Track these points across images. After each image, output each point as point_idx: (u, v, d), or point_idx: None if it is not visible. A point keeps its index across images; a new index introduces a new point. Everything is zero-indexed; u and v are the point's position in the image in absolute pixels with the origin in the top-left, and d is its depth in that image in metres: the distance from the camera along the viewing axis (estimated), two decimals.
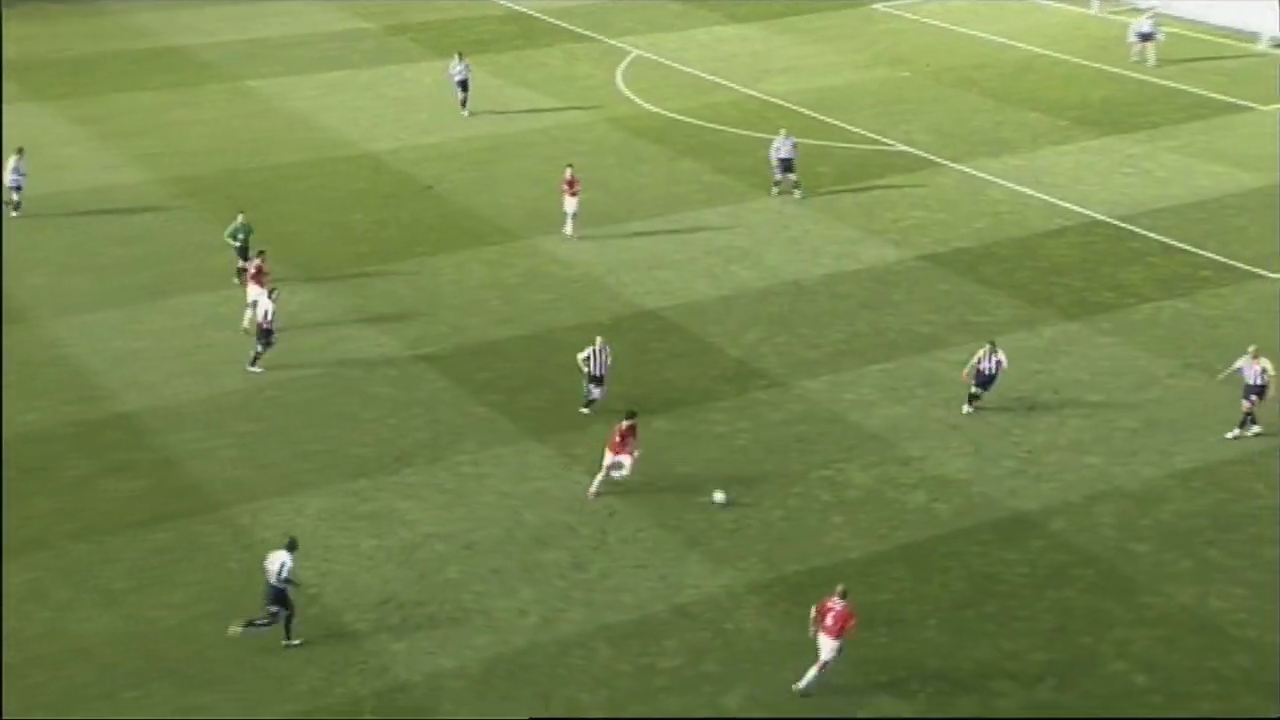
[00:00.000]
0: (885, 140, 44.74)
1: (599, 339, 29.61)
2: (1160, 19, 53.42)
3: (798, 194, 40.01)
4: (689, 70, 51.54)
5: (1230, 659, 22.42)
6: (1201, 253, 36.35)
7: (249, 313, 32.42)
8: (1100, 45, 53.89)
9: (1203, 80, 49.31)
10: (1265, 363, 28.34)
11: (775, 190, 40.26)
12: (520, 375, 31.51)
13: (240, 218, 35.37)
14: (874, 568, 24.88)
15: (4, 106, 46.57)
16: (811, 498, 26.84)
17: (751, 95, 49.18)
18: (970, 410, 29.32)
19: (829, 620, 21.88)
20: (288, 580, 22.94)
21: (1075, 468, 27.62)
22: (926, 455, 28.05)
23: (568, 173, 37.77)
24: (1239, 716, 21.37)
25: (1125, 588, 24.11)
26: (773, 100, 48.66)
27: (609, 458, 26.76)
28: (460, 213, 39.80)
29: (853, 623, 21.88)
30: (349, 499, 27.03)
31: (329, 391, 30.76)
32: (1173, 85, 49.24)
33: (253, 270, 32.59)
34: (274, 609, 22.95)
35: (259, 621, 23.04)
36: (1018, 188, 40.99)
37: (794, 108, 47.98)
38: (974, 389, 29.37)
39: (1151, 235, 37.49)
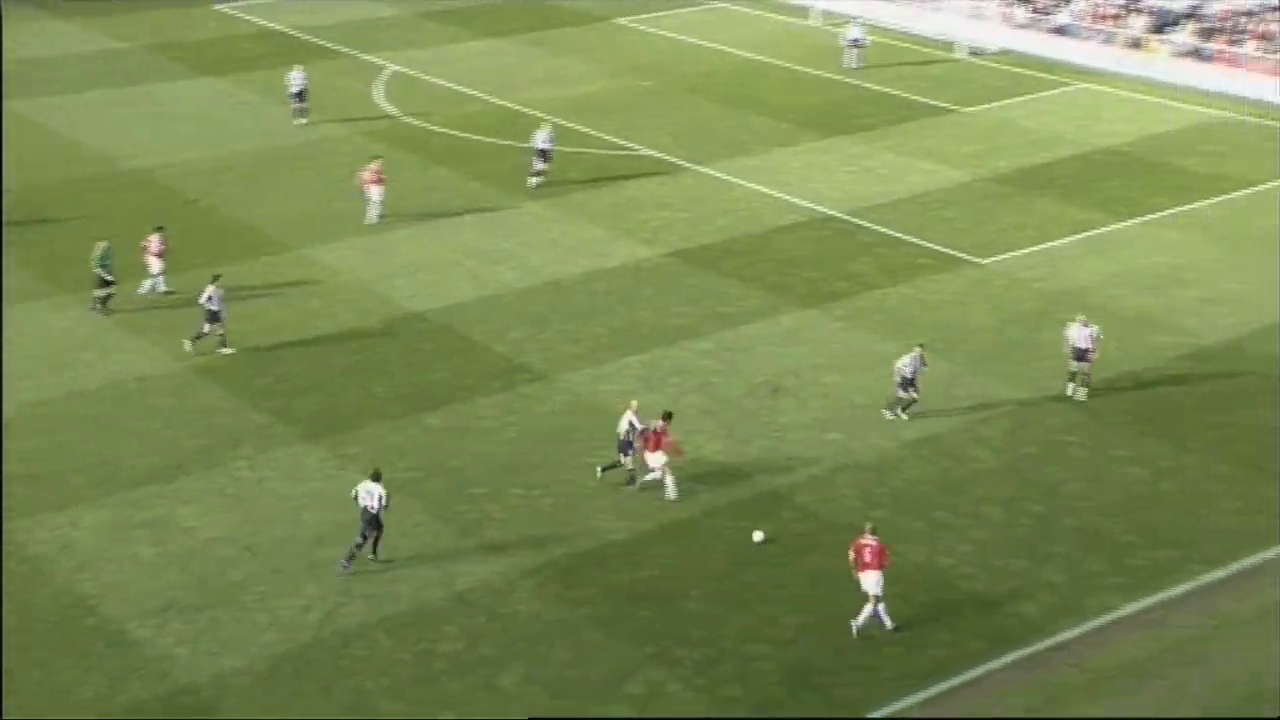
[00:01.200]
0: (631, 145, 44.93)
1: (634, 403, 26.71)
2: (868, 27, 54.93)
3: (533, 181, 40.22)
4: (444, 83, 50.89)
5: (959, 610, 23.10)
6: (921, 243, 37.45)
7: (148, 283, 33.76)
8: (819, 53, 55.18)
9: (911, 85, 50.87)
10: (1095, 328, 29.31)
11: (533, 181, 40.41)
12: (295, 380, 30.60)
13: (102, 245, 33.35)
14: (638, 547, 24.90)
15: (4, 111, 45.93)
16: (578, 484, 26.72)
17: (505, 105, 48.83)
18: (901, 417, 28.38)
19: (867, 556, 22.39)
20: (386, 506, 23.83)
21: (818, 444, 28.13)
22: (684, 439, 28.20)
23: (375, 164, 38.27)
24: (1237, 717, 20.72)
25: None
26: (525, 110, 48.40)
27: (647, 458, 25.38)
28: (231, 225, 38.49)
29: (889, 554, 22.51)
30: (128, 509, 25.84)
31: (106, 406, 29.39)
32: (885, 90, 50.67)
33: (155, 248, 33.55)
34: (368, 533, 23.87)
35: (356, 546, 23.95)
36: (754, 186, 41.62)
37: (546, 116, 47.72)
38: (901, 394, 28.52)
39: (876, 228, 38.48)
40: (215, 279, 31.74)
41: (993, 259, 36.28)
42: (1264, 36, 50.72)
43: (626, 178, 42.32)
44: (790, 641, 22.50)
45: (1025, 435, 28.21)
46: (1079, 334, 29.35)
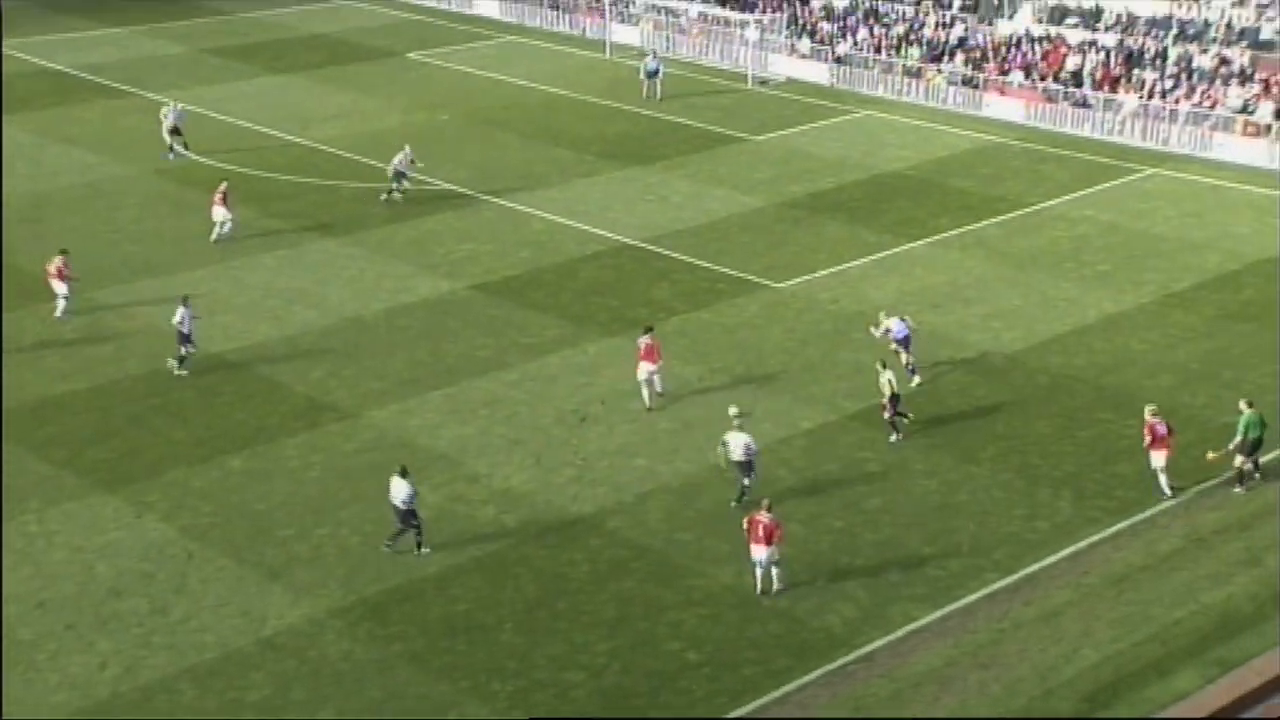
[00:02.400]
0: (430, 180, 44.58)
1: (735, 417, 26.61)
2: (663, 59, 55.69)
3: (385, 198, 40.54)
4: (233, 121, 49.77)
5: (766, 627, 23.32)
6: (717, 268, 37.93)
7: (61, 304, 33.88)
8: (614, 86, 55.63)
9: (703, 115, 51.63)
10: (909, 319, 31.51)
11: (384, 198, 41.33)
12: (85, 429, 29.42)
13: None
14: (450, 580, 24.56)
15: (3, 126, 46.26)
16: (386, 521, 26.25)
17: (298, 142, 47.97)
18: (899, 438, 28.65)
19: (760, 532, 23.51)
20: (414, 496, 24.83)
21: (625, 470, 28.19)
22: (492, 471, 27.98)
23: (222, 186, 38.86)
24: (1029, 716, 20.87)
25: (675, 574, 24.75)
26: (320, 146, 47.64)
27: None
28: (10, 270, 36.89)
29: (781, 531, 23.63)
30: None
31: None
32: (678, 120, 51.33)
33: (54, 270, 33.70)
34: (414, 523, 24.96)
35: (415, 536, 24.96)
36: (554, 217, 41.67)
37: (340, 153, 47.14)
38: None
39: (674, 255, 38.86)
40: (185, 300, 31.61)
41: (788, 282, 36.95)
42: (1028, 66, 52.96)
43: (426, 212, 41.94)
44: (604, 668, 22.42)
45: (824, 453, 28.72)
46: (898, 325, 31.04)
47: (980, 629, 23.16)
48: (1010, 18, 56.18)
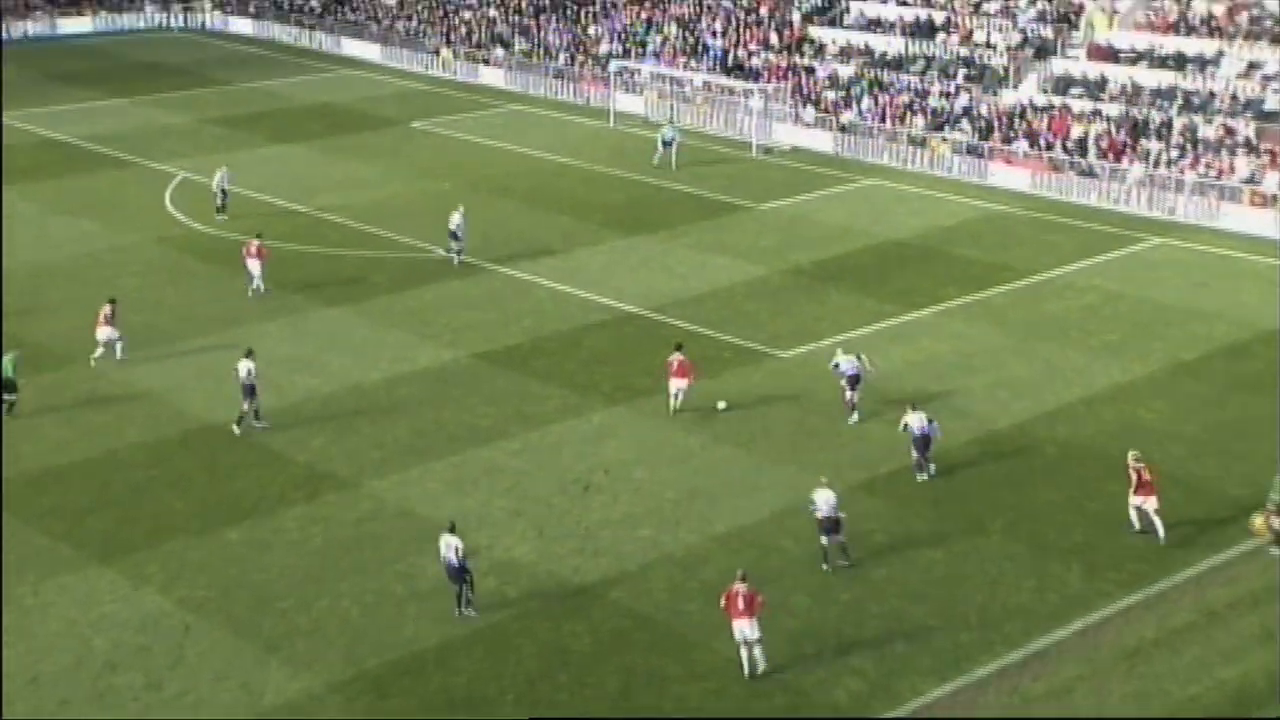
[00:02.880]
0: (432, 248, 44.78)
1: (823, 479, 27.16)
2: (678, 129, 56.17)
3: (456, 260, 41.33)
4: (237, 190, 50.15)
5: (772, 701, 23.11)
6: (722, 337, 37.99)
7: (118, 346, 35.83)
8: (618, 154, 56.01)
9: (707, 183, 51.93)
10: (864, 359, 33.27)
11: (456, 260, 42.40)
12: (83, 499, 29.38)
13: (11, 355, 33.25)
14: (451, 653, 24.40)
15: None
16: (386, 592, 26.13)
17: (301, 211, 48.30)
18: (925, 477, 29.98)
19: (741, 605, 23.33)
20: (466, 556, 24.98)
21: (629, 540, 28.09)
22: (494, 542, 27.88)
23: (256, 241, 40.29)
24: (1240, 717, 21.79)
25: (679, 646, 24.58)
26: (324, 215, 47.94)
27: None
28: (10, 341, 37.00)
29: (760, 600, 23.55)
30: None
31: None
32: (682, 189, 51.61)
33: (105, 315, 35.67)
34: (467, 578, 25.03)
35: (466, 596, 25.00)
36: (558, 286, 41.81)
37: (344, 221, 47.42)
38: (915, 455, 30.05)
39: (679, 324, 38.94)
40: (250, 353, 32.31)
41: (793, 351, 37.01)
42: (1033, 135, 53.35)
43: (428, 281, 42.11)
44: None
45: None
46: (848, 364, 31.97)
47: (990, 704, 22.95)
48: (1015, 88, 56.68)
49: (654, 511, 29.11)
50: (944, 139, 54.44)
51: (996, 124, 54.19)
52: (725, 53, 63.84)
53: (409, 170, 53.93)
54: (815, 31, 63.94)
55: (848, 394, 32.75)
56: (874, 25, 62.77)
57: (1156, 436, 32.14)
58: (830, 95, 58.74)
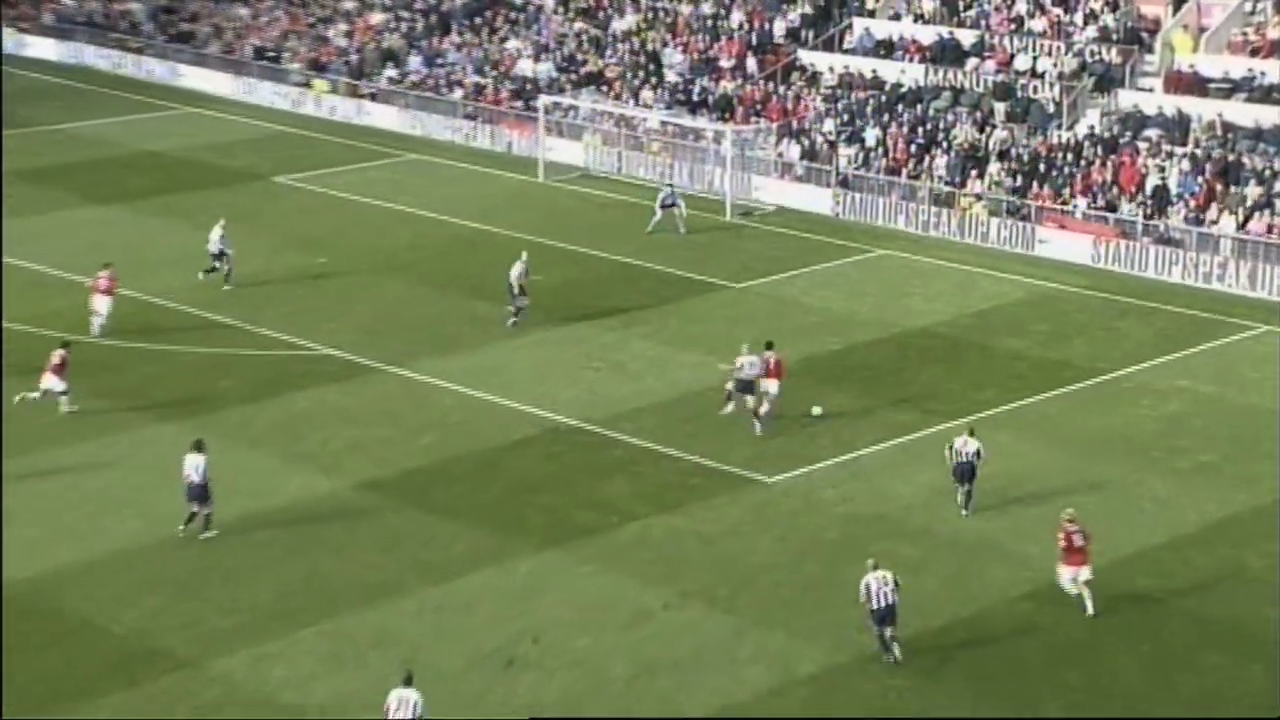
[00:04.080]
0: (305, 344, 44.67)
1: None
2: (611, 180, 56.64)
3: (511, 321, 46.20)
4: (40, 268, 50.01)
5: None
6: (689, 457, 37.95)
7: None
8: (551, 216, 56.35)
9: (668, 256, 52.24)
10: (770, 354, 39.15)
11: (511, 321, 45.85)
12: None
13: None
14: None
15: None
16: None
17: (127, 295, 48.12)
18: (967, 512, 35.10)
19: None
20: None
21: None
22: None
23: (107, 272, 44.90)
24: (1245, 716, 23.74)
25: None
26: (155, 300, 47.82)
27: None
28: None
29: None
30: None
31: None
32: (636, 263, 51.89)
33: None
34: None
35: None
36: (471, 392, 41.77)
37: (183, 308, 47.35)
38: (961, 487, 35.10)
39: (632, 440, 38.91)
40: (199, 445, 34.31)
41: (781, 475, 37.03)
42: (1094, 189, 53.96)
43: (299, 386, 41.97)
44: None
45: (835, 705, 28.47)
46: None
47: None
48: (1070, 128, 57.61)
49: (597, 690, 28.90)
50: (977, 197, 55.19)
51: (1045, 176, 55.02)
52: (688, 82, 64.72)
53: (272, 240, 53.98)
54: (807, 56, 64.94)
55: (748, 401, 39.06)
56: (883, 48, 63.85)
57: (1269, 590, 32.27)
58: (826, 128, 59.39)
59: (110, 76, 77.45)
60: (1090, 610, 31.05)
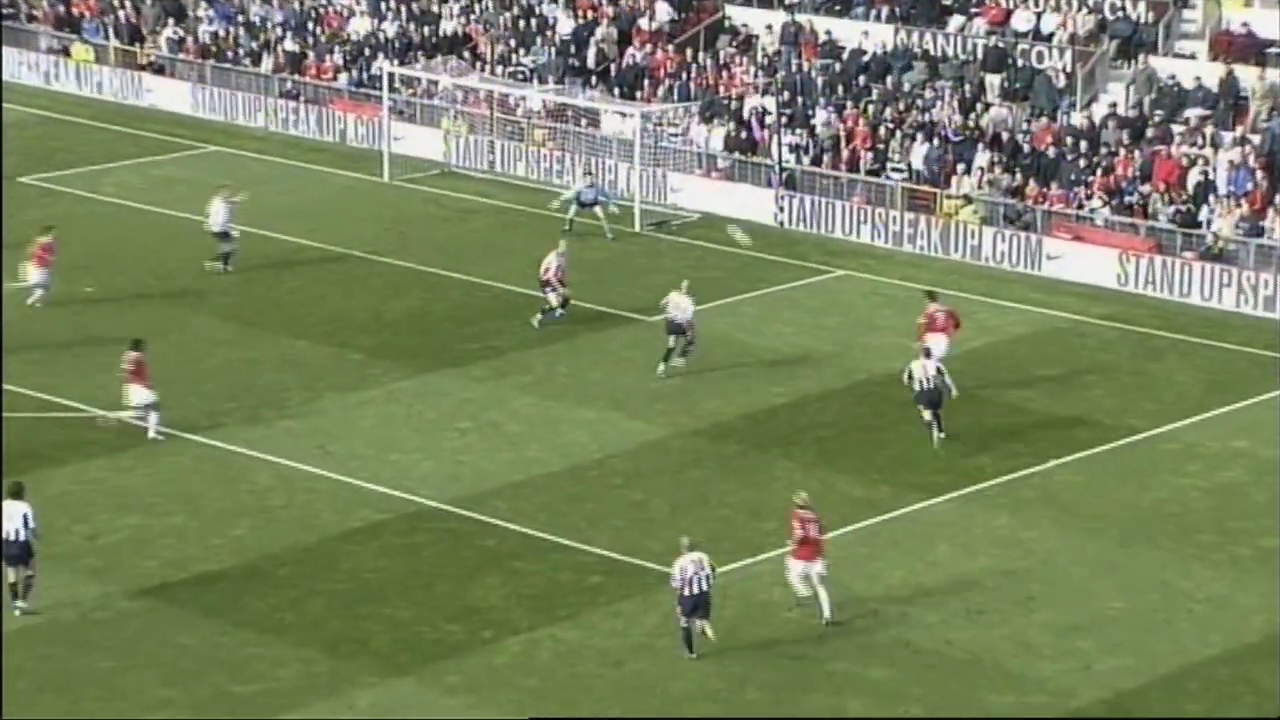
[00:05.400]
0: (65, 402, 44.38)
1: None
2: (497, 182, 56.87)
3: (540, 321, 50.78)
4: None
5: None
6: (586, 548, 37.85)
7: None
8: (399, 227, 56.15)
9: (578, 280, 51.95)
10: (937, 307, 45.28)
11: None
12: None
13: None
14: None
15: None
16: None
17: None
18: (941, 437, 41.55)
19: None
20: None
21: None
22: None
23: (47, 237, 50.31)
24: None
25: None
26: None
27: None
28: None
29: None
30: None
31: None
32: (512, 289, 51.94)
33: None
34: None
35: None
36: (296, 465, 41.54)
37: None
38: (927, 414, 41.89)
39: (510, 526, 38.75)
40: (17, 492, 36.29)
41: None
42: (1117, 187, 54.37)
43: (57, 460, 41.61)
44: None
45: None
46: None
47: None
48: (1086, 107, 58.10)
49: None
50: (965, 198, 55.54)
51: (1055, 171, 55.46)
52: (576, 44, 64.80)
53: (17, 260, 53.53)
54: (738, 13, 65.22)
55: (672, 341, 45.60)
56: (839, 3, 64.23)
57: None
58: (760, 107, 59.62)
59: None
60: (827, 615, 34.33)
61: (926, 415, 42.13)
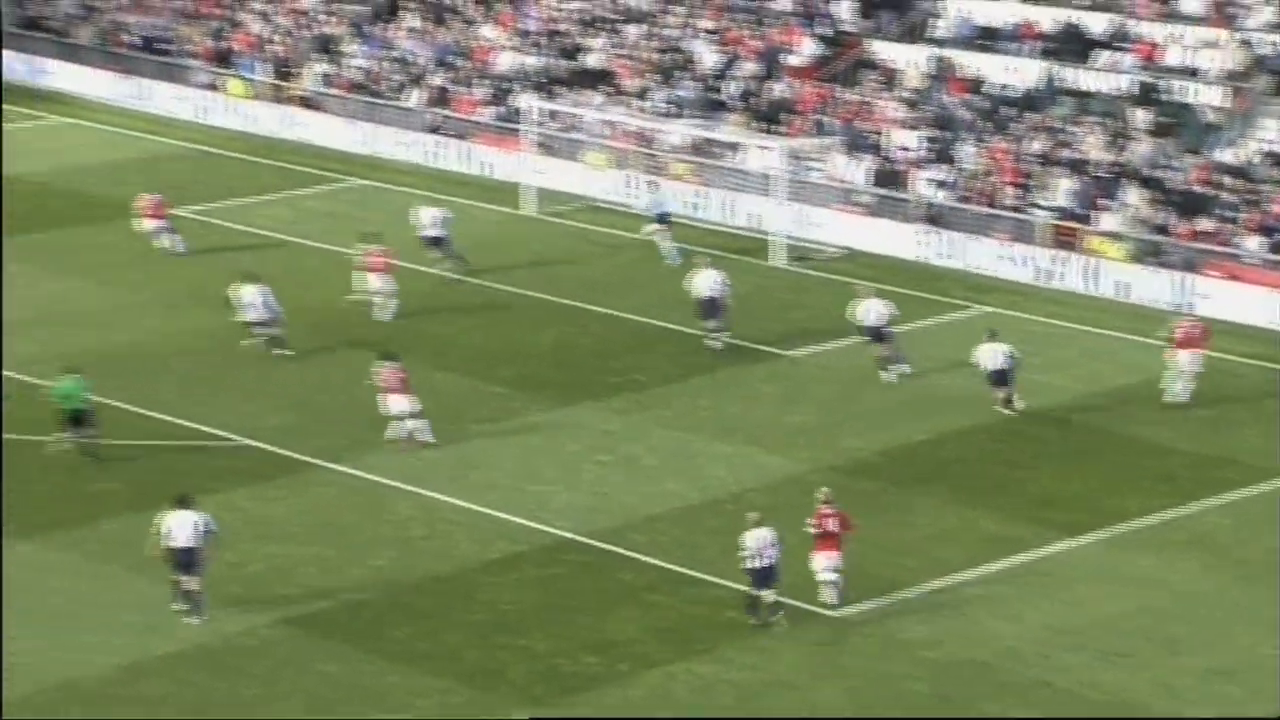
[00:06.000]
0: (212, 431, 44.78)
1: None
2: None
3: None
4: None
5: None
6: (721, 582, 37.50)
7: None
8: (543, 261, 56.39)
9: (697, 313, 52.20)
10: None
11: None
12: None
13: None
14: None
15: None
16: None
17: None
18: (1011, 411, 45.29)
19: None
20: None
21: None
22: None
23: (378, 248, 52.76)
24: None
25: None
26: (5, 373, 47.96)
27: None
28: None
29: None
30: None
31: None
32: (655, 323, 52.09)
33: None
34: None
35: None
36: (437, 495, 41.74)
37: (45, 383, 47.42)
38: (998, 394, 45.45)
39: (648, 559, 38.77)
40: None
41: (851, 607, 36.87)
42: (1268, 226, 53.87)
43: (203, 490, 41.63)
44: None
45: None
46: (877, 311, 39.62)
47: None
48: (1236, 143, 57.56)
49: None
50: (1112, 235, 55.21)
51: (1206, 208, 54.99)
52: (718, 77, 64.95)
53: (168, 293, 54.14)
54: (883, 47, 65.17)
55: (881, 350, 48.35)
56: (986, 37, 64.06)
57: None
58: (902, 142, 59.60)
59: None
60: (834, 600, 36.44)
61: (1000, 392, 46.20)
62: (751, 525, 35.98)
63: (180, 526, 36.19)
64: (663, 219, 56.88)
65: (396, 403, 44.20)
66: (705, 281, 49.75)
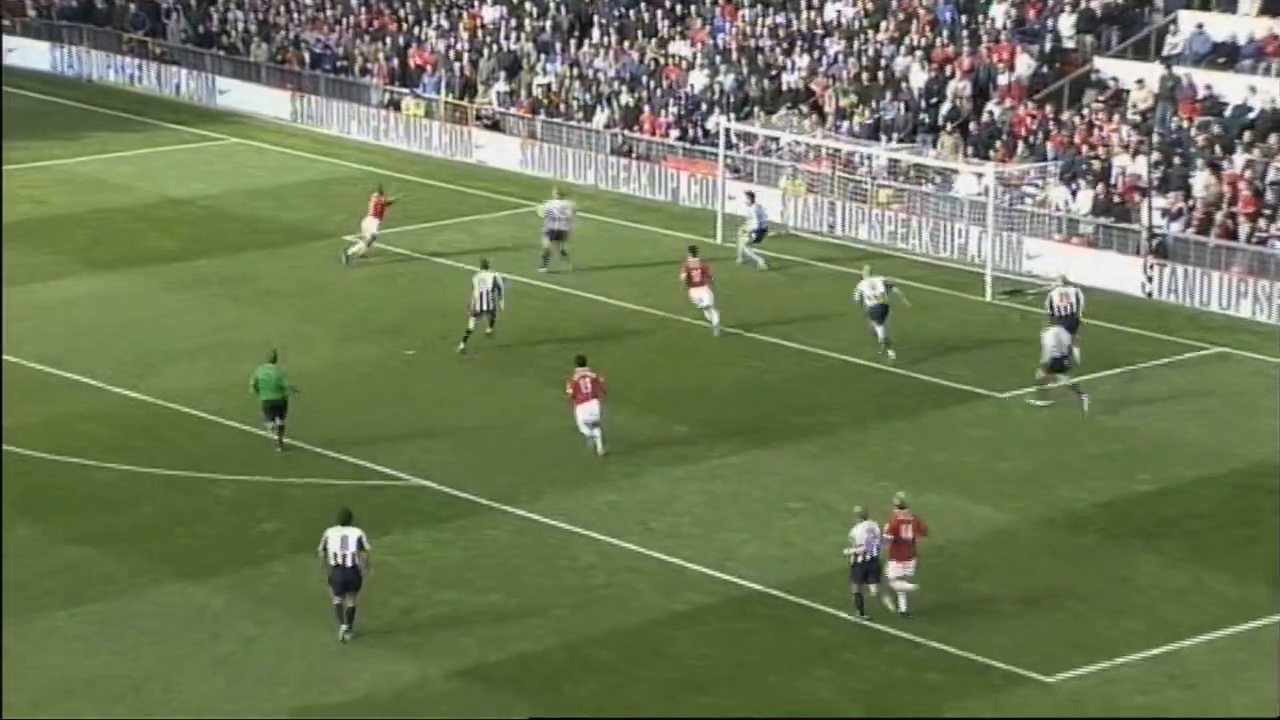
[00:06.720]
0: (383, 470, 44.99)
1: None
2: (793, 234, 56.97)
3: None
4: (18, 361, 50.70)
5: None
6: (925, 642, 37.55)
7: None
8: (734, 292, 56.19)
9: (900, 350, 51.72)
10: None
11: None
12: None
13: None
14: None
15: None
16: None
17: (135, 398, 48.67)
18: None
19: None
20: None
21: None
22: None
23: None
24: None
25: None
26: (173, 406, 48.39)
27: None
28: None
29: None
30: None
31: None
32: (853, 360, 51.90)
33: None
34: None
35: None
36: (617, 542, 41.73)
37: (214, 419, 47.80)
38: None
39: (842, 614, 38.54)
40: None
41: (1067, 673, 36.57)
42: None
43: (373, 532, 42.05)
44: None
45: None
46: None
47: None
48: None
49: None
50: None
51: None
52: (921, 100, 64.63)
53: (339, 322, 54.51)
54: (1108, 65, 64.60)
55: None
56: (1222, 54, 63.31)
57: None
58: (1126, 169, 58.95)
59: (121, 93, 78.83)
60: (903, 608, 37.98)
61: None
62: (857, 519, 37.81)
63: (342, 544, 37.27)
64: (761, 232, 57.23)
65: (588, 409, 45.73)
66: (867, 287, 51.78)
